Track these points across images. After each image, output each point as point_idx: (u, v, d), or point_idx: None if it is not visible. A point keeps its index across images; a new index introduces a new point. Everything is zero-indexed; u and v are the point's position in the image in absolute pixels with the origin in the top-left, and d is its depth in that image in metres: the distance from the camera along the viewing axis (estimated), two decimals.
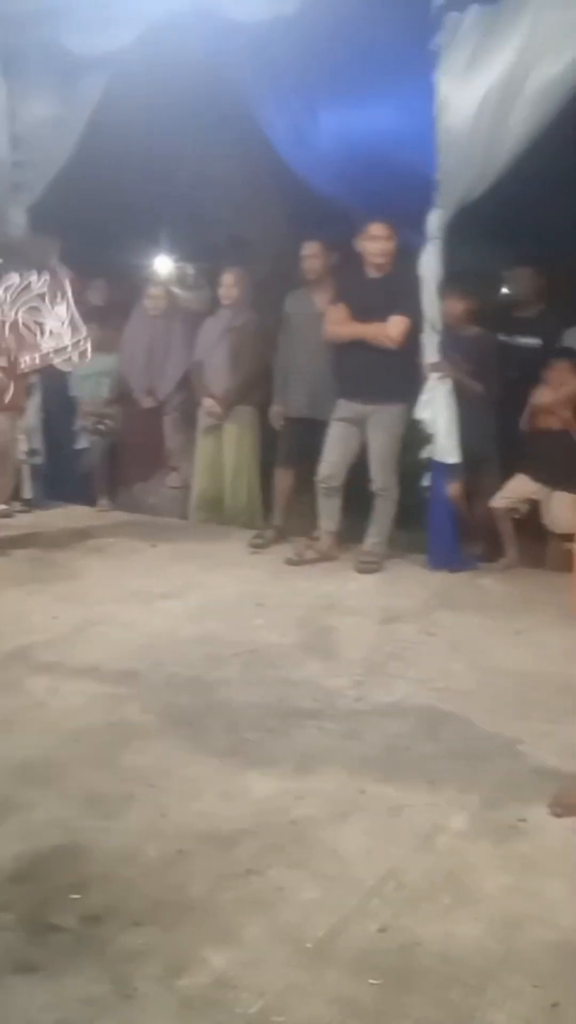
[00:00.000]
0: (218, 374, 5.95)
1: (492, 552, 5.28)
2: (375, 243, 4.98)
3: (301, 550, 5.27)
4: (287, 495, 5.69)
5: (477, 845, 2.53)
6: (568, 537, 5.03)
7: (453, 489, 5.00)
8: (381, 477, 5.13)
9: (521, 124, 4.54)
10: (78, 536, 5.70)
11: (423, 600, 4.61)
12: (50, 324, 4.45)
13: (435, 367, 4.92)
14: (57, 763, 2.93)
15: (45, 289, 4.61)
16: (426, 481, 5.11)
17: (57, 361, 4.76)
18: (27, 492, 6.46)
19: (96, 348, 5.37)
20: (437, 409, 4.95)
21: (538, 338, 5.55)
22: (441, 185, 4.73)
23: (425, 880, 2.37)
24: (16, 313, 4.44)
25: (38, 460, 6.44)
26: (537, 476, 5.09)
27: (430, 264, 4.87)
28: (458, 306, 5.11)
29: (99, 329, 5.74)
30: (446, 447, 4.96)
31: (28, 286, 4.41)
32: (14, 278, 4.42)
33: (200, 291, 6.74)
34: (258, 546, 5.48)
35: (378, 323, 4.96)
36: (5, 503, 6.25)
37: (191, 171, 6.92)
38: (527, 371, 5.26)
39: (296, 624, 4.26)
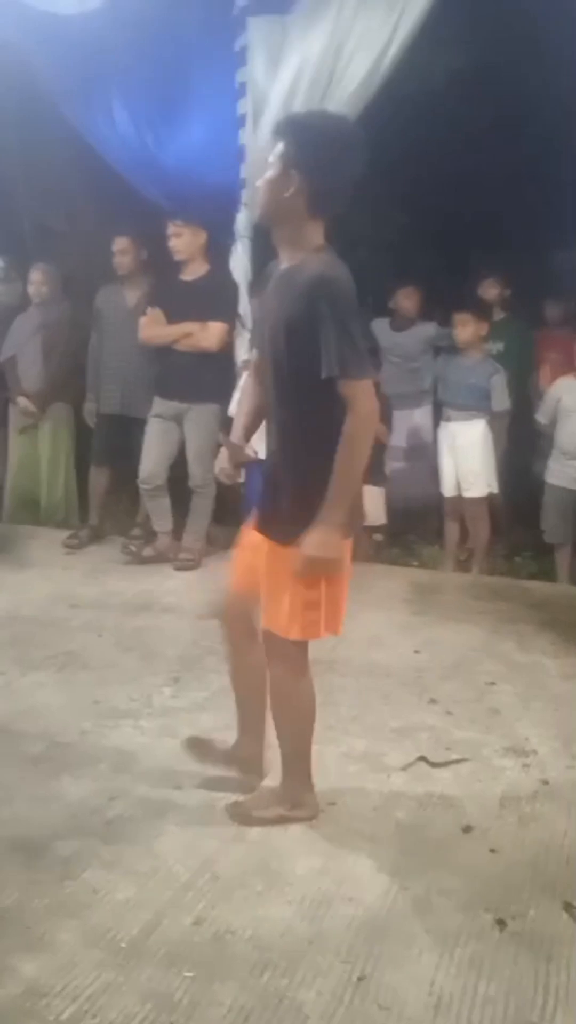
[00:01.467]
0: (31, 371, 5.81)
1: None
2: (172, 240, 4.96)
3: (140, 548, 5.23)
4: (102, 494, 5.62)
5: (288, 832, 2.59)
6: (373, 529, 5.25)
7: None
8: (198, 474, 5.15)
9: None
10: None
11: None
12: None
13: (246, 365, 4.98)
14: None
15: None
16: (241, 477, 5.15)
17: None
18: None
19: None
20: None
21: None
22: (247, 184, 4.80)
23: (238, 870, 2.41)
24: None
25: None
26: None
27: (239, 263, 4.92)
28: None
29: None
30: (260, 443, 5.02)
31: None
32: None
33: (10, 284, 6.52)
34: (73, 546, 5.39)
35: (194, 324, 4.96)
36: None
37: None
38: None
39: (111, 624, 4.22)
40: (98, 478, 5.60)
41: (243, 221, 4.90)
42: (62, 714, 3.28)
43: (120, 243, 5.37)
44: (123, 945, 2.13)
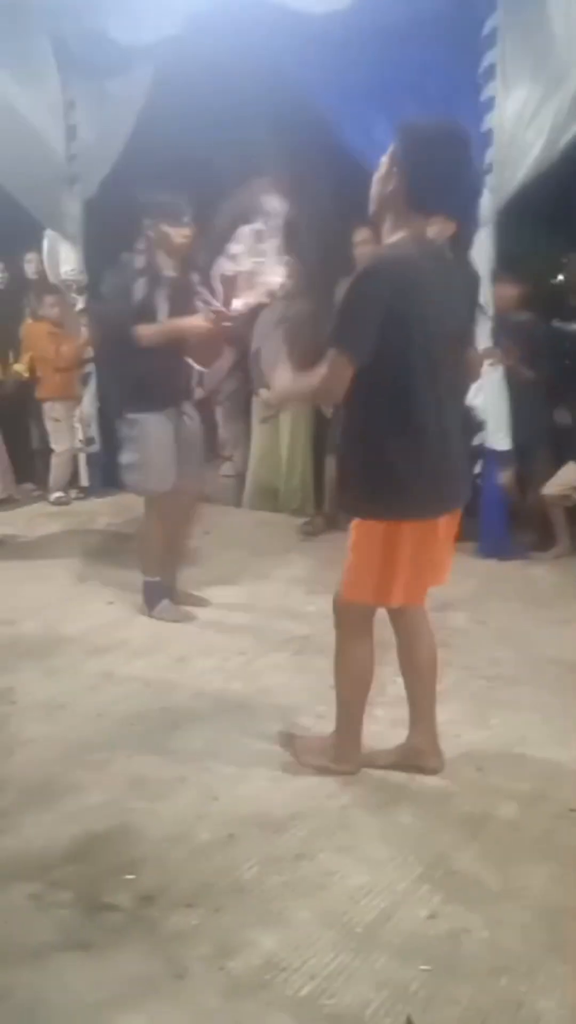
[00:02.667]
0: (273, 364, 5.95)
1: (543, 541, 5.23)
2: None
3: None
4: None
5: (525, 835, 2.52)
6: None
7: (505, 477, 4.97)
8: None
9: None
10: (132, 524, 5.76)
11: (473, 588, 4.58)
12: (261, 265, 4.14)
13: (487, 353, 4.88)
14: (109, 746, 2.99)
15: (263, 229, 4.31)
16: (478, 468, 5.07)
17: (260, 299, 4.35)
18: (84, 480, 6.56)
19: None
20: (488, 396, 4.92)
21: None
22: (494, 169, 4.69)
23: (473, 867, 2.38)
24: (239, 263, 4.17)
25: (94, 448, 6.52)
26: None
27: (483, 250, 4.81)
28: (509, 292, 5.05)
29: None
30: (497, 434, 4.92)
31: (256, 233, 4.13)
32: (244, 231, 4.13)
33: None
34: (309, 533, 5.50)
35: None
36: (63, 491, 6.37)
37: (244, 160, 6.90)
38: None
39: None
40: (334, 467, 5.68)
41: (487, 207, 4.78)
42: (297, 696, 3.36)
43: (361, 234, 5.41)
44: (358, 930, 2.15)
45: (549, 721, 3.17)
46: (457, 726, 3.12)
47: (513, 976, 2.00)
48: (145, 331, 3.89)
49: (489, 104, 4.72)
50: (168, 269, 4.05)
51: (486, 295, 4.79)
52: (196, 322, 3.94)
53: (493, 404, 4.91)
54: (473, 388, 4.91)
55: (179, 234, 4.01)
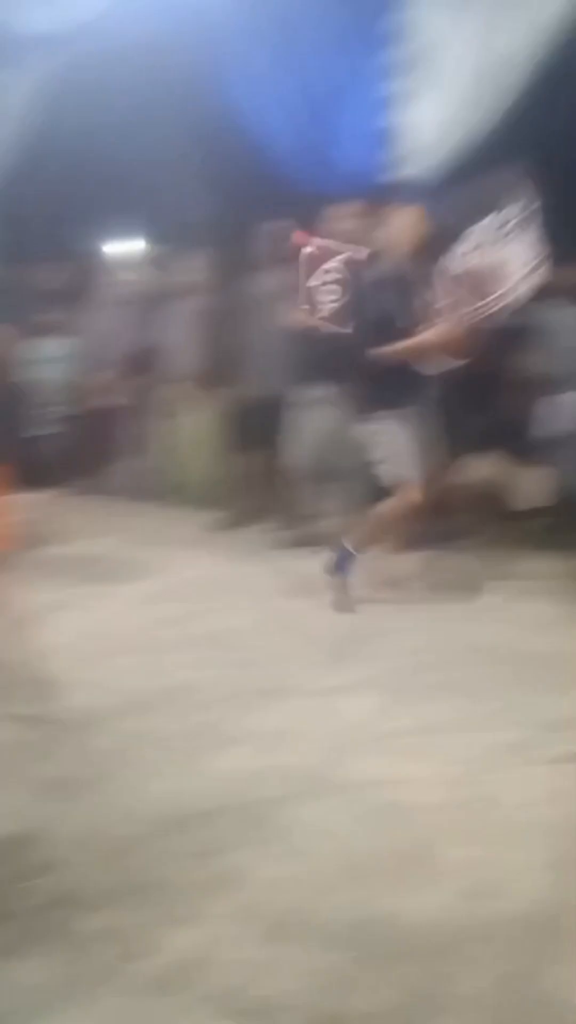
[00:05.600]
0: (182, 357, 5.90)
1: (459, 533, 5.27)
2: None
3: (287, 530, 5.26)
4: (252, 476, 5.65)
5: (439, 818, 2.51)
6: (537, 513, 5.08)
7: None
8: (351, 459, 5.09)
9: None
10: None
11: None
12: (515, 257, 3.94)
13: None
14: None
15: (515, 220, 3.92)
16: None
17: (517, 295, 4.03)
18: None
19: (53, 332, 5.29)
20: None
21: None
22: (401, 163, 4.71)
23: (389, 855, 2.35)
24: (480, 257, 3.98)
25: None
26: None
27: None
28: None
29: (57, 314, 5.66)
30: None
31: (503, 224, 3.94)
32: (486, 221, 3.95)
33: (166, 273, 6.65)
34: (223, 527, 5.45)
35: None
36: None
37: (152, 153, 6.82)
38: None
39: (260, 606, 4.23)
40: (248, 461, 5.64)
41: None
42: (210, 693, 3.30)
43: (275, 229, 5.37)
44: (274, 922, 2.10)
45: (467, 706, 3.18)
46: (373, 715, 3.12)
47: (428, 961, 1.97)
48: (409, 345, 3.95)
49: (389, 101, 4.74)
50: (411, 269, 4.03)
51: None
52: (444, 332, 3.91)
53: None
54: None
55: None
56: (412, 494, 4.21)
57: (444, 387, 4.68)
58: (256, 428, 5.52)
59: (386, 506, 4.29)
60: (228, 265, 5.92)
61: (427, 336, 3.97)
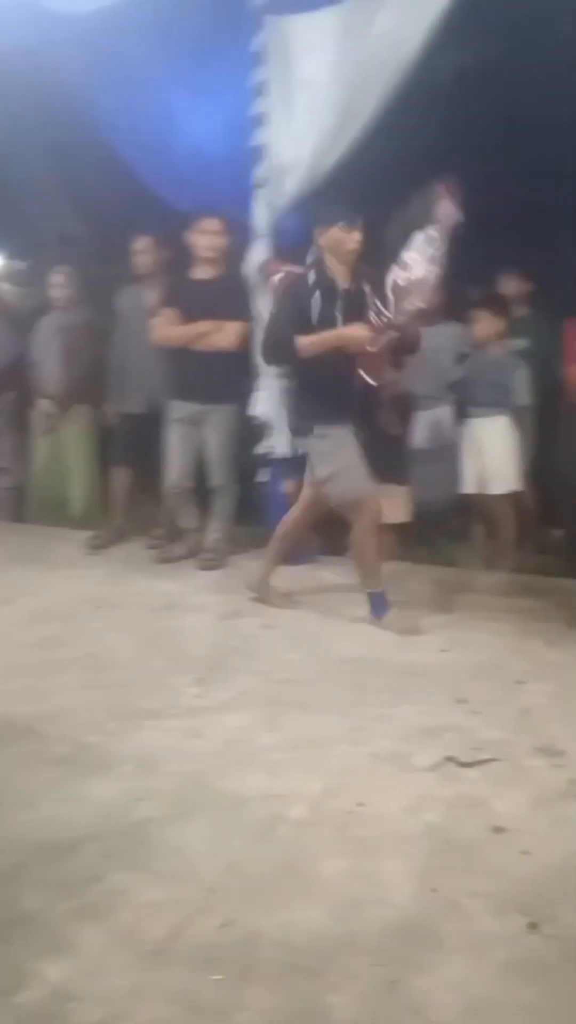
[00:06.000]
0: (52, 373, 5.82)
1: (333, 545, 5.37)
2: (205, 238, 4.97)
3: (163, 548, 5.23)
4: (125, 494, 5.61)
5: (316, 833, 2.56)
6: (398, 528, 5.21)
7: (288, 485, 5.06)
8: (219, 474, 5.14)
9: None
10: None
11: None
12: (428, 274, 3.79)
13: None
14: None
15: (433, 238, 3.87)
16: (264, 477, 5.14)
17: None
18: None
19: None
20: (272, 405, 4.99)
21: None
22: (269, 183, 4.78)
23: (265, 871, 2.38)
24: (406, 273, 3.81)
25: None
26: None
27: (257, 263, 4.90)
28: None
29: None
30: (282, 442, 5.00)
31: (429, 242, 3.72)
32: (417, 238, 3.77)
33: (31, 288, 6.55)
34: (96, 546, 5.39)
35: (209, 324, 4.94)
36: None
37: (15, 166, 6.70)
38: None
39: (136, 624, 4.21)
40: (120, 478, 5.60)
41: (263, 222, 4.87)
42: (87, 715, 3.26)
43: (140, 243, 5.38)
44: (150, 948, 2.10)
45: (339, 719, 3.24)
46: (248, 732, 3.14)
47: (305, 975, 2.01)
48: (304, 341, 3.90)
49: (258, 120, 4.80)
50: (341, 280, 4.00)
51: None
52: (355, 330, 3.91)
53: (277, 412, 4.99)
54: (257, 398, 5.00)
55: (351, 239, 3.98)
56: (370, 508, 4.16)
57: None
58: (131, 445, 5.50)
59: (357, 536, 4.21)
60: (94, 280, 5.89)
61: (340, 332, 3.97)
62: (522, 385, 5.09)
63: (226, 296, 4.94)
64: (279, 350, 4.09)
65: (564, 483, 5.21)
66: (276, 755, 2.99)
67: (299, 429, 4.44)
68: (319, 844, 2.51)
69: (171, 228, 5.24)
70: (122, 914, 2.21)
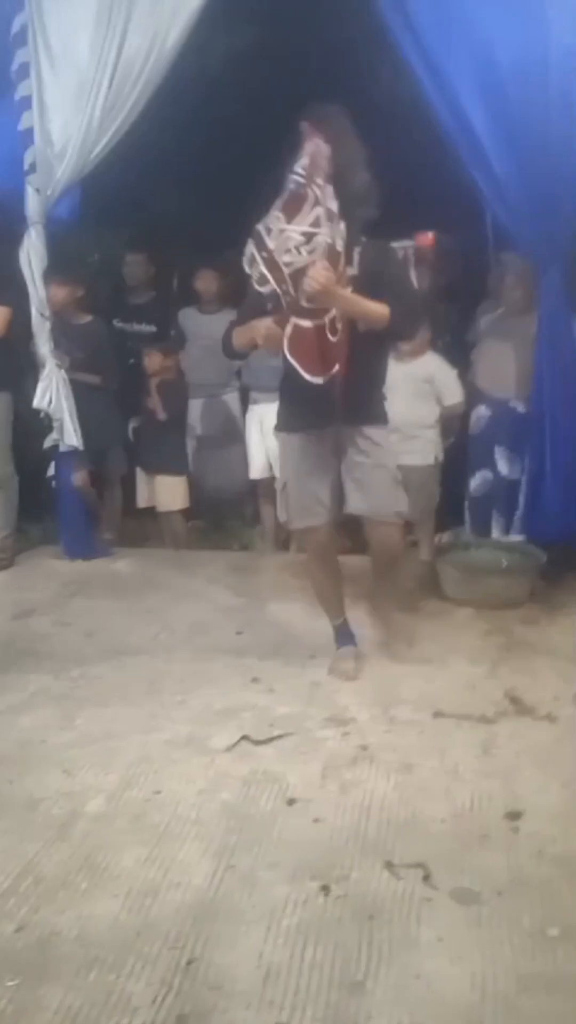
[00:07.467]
0: None
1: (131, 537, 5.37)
2: None
3: None
4: None
5: (112, 825, 2.56)
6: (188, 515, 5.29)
7: (78, 477, 4.98)
8: None
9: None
10: None
11: (56, 591, 4.56)
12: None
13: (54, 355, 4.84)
14: None
15: None
16: (51, 471, 5.03)
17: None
18: None
19: None
20: (56, 397, 4.88)
21: (152, 324, 5.67)
22: (37, 170, 4.65)
23: (62, 869, 2.37)
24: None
25: None
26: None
27: (34, 249, 4.77)
28: (62, 293, 4.99)
29: None
30: (68, 434, 4.91)
31: None
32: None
33: None
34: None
35: None
36: None
37: None
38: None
39: None
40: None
41: (35, 208, 4.73)
42: None
43: None
44: None
45: (135, 710, 3.25)
46: (42, 732, 3.10)
47: (103, 967, 2.02)
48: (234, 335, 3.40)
49: (25, 103, 4.67)
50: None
51: (40, 296, 4.80)
52: (263, 321, 3.21)
53: (61, 405, 4.88)
54: (40, 389, 4.87)
55: None
56: (309, 539, 3.58)
57: None
58: None
59: (310, 568, 3.71)
60: None
61: (250, 325, 3.29)
62: None
63: None
64: (224, 347, 3.51)
65: None
66: (72, 752, 2.96)
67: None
68: (117, 836, 2.52)
69: None
70: None
